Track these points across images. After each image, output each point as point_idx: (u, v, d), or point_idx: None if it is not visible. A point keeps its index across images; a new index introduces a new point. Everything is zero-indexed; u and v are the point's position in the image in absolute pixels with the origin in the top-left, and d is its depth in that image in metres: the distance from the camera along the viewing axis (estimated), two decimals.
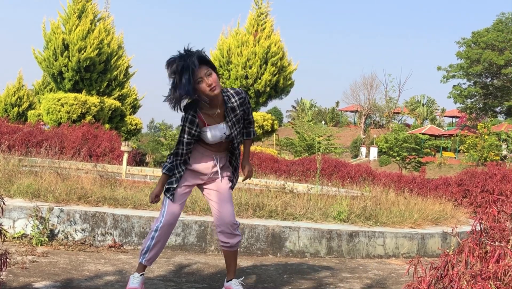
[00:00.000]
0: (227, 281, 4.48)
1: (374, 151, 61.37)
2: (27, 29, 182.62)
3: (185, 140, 4.17)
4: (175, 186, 4.23)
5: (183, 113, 4.11)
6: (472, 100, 57.90)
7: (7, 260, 3.11)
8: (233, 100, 4.22)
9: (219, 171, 4.36)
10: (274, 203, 7.44)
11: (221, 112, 4.19)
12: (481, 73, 55.68)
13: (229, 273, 4.49)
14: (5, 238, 3.25)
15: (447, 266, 2.83)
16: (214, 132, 4.18)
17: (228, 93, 4.23)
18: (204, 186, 4.44)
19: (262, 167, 17.08)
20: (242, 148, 4.60)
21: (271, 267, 5.81)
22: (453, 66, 57.58)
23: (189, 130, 4.13)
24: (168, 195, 4.24)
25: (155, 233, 4.24)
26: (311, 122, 55.10)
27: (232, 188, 4.49)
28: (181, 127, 4.20)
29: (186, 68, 3.86)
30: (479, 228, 2.97)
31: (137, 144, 35.17)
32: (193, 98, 4.00)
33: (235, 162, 4.48)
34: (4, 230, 3.28)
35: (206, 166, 4.33)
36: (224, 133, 4.21)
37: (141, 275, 4.32)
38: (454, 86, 58.20)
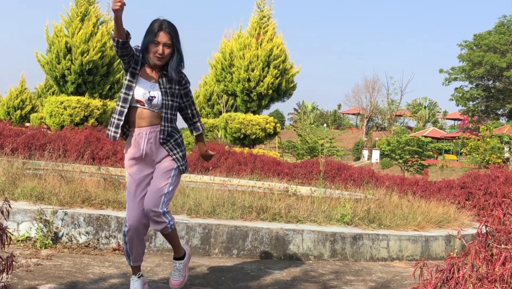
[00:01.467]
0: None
1: (376, 154, 61.33)
2: (30, 32, 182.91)
3: (126, 81, 4.22)
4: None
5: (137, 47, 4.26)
6: (474, 102, 57.81)
7: (13, 262, 3.11)
8: (173, 73, 4.23)
9: (146, 147, 4.24)
10: (278, 206, 7.44)
11: (157, 74, 4.27)
12: (483, 76, 55.58)
13: (174, 252, 4.61)
14: (10, 241, 3.25)
15: (452, 268, 2.83)
16: (142, 85, 4.18)
17: (173, 67, 4.24)
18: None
19: (264, 170, 17.05)
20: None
21: (275, 270, 5.81)
22: (455, 69, 57.49)
23: (133, 62, 4.17)
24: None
25: (125, 237, 4.28)
26: (313, 125, 55.10)
27: (180, 168, 4.36)
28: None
29: (157, 26, 4.13)
30: (485, 231, 2.96)
31: None
32: (140, 50, 4.19)
33: (172, 146, 4.34)
34: (10, 233, 3.29)
35: (137, 145, 4.25)
36: (149, 92, 4.18)
37: (139, 277, 4.36)
38: (456, 88, 58.12)
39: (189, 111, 4.52)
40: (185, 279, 4.59)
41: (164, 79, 4.24)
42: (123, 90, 4.21)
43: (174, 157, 4.31)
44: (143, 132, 4.22)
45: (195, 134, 4.61)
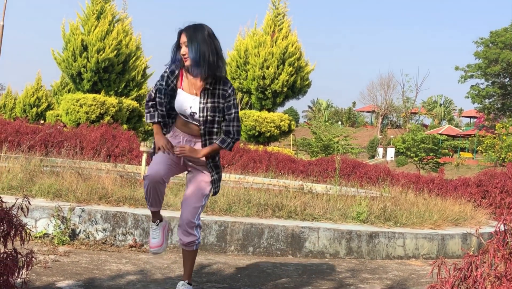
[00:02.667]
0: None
1: (391, 152, 61.15)
2: (46, 30, 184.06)
3: (159, 86, 4.18)
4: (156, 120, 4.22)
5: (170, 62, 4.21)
6: (490, 100, 57.43)
7: (32, 259, 3.14)
8: (218, 86, 4.14)
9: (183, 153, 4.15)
10: (293, 203, 7.45)
11: (201, 87, 4.13)
12: (499, 73, 55.20)
13: (184, 273, 4.42)
14: (29, 238, 3.29)
15: (470, 267, 2.82)
16: (183, 99, 4.11)
17: (221, 79, 4.15)
18: (188, 172, 4.38)
19: (279, 167, 17.07)
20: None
21: (291, 268, 5.82)
22: (471, 66, 57.16)
23: (167, 79, 4.15)
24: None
25: (144, 182, 4.13)
26: (327, 123, 55.00)
27: (213, 191, 4.31)
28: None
29: (179, 31, 4.13)
30: (503, 229, 2.95)
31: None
32: (176, 57, 4.14)
33: (211, 166, 4.27)
34: (29, 230, 3.32)
35: (176, 138, 4.25)
36: (191, 107, 4.10)
37: (157, 225, 4.42)
38: (472, 86, 57.77)
39: (226, 124, 4.21)
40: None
41: (205, 92, 4.11)
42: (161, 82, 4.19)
43: (212, 178, 4.27)
44: (181, 136, 4.25)
45: (215, 141, 4.20)
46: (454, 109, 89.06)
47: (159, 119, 4.20)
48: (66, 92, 37.79)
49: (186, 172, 4.41)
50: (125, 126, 24.50)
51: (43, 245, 5.76)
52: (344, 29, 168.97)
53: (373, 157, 64.69)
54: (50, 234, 5.93)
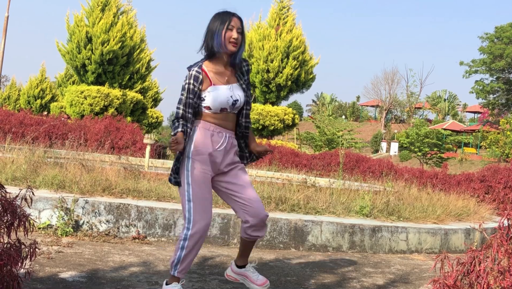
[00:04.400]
0: (240, 267, 4.28)
1: (394, 146, 61.09)
2: (50, 22, 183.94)
3: (185, 100, 3.88)
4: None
5: (188, 71, 3.93)
6: (495, 95, 57.32)
7: (36, 249, 3.15)
8: (244, 64, 4.10)
9: (225, 150, 3.99)
10: (297, 197, 7.44)
11: (231, 72, 4.03)
12: (504, 69, 55.09)
13: (243, 258, 4.27)
14: (33, 228, 3.29)
15: (474, 261, 2.82)
16: (221, 92, 3.92)
17: (240, 56, 4.04)
18: (217, 179, 4.05)
19: (283, 161, 17.07)
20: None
21: (294, 261, 5.82)
22: (475, 61, 57.05)
23: (193, 87, 3.87)
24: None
25: (185, 242, 3.84)
26: (331, 117, 54.95)
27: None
28: (182, 87, 3.95)
29: (228, 13, 3.93)
30: (507, 224, 2.95)
31: (158, 137, 35.35)
32: (220, 36, 3.88)
33: (245, 145, 4.21)
34: (32, 220, 3.33)
35: (208, 143, 3.92)
36: (231, 96, 3.95)
37: (181, 283, 3.95)
38: (476, 81, 57.69)
39: (247, 108, 4.16)
40: None
41: (237, 75, 4.05)
42: (188, 95, 3.90)
43: (244, 164, 4.20)
44: (225, 133, 4.02)
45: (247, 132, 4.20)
46: (458, 105, 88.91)
47: (183, 129, 3.85)
48: (70, 84, 37.79)
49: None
50: (129, 118, 24.51)
51: (47, 236, 5.77)
52: (348, 23, 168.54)
53: (376, 151, 64.65)
54: (53, 225, 5.94)
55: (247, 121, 4.16)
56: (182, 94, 3.91)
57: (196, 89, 3.88)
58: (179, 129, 3.81)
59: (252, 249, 4.31)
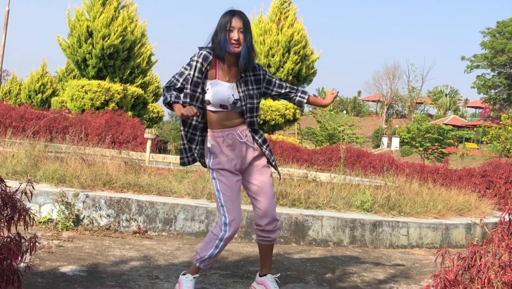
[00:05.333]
0: (261, 276, 4.29)
1: (395, 141, 61.05)
2: (51, 16, 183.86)
3: (187, 75, 3.94)
4: (182, 100, 3.89)
5: (199, 50, 3.98)
6: (496, 90, 57.30)
7: (36, 243, 3.14)
8: (249, 73, 4.07)
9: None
10: (297, 192, 7.44)
11: (235, 75, 4.02)
12: (505, 64, 55.06)
13: (264, 267, 4.28)
14: (33, 222, 3.29)
15: (474, 256, 2.81)
16: (223, 88, 3.94)
17: (244, 55, 3.97)
18: (243, 177, 4.14)
19: (283, 156, 17.07)
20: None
21: (295, 255, 5.82)
22: (477, 56, 57.00)
23: (200, 66, 3.92)
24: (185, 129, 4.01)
25: (220, 242, 3.93)
26: (332, 112, 54.94)
27: (277, 172, 4.31)
28: (187, 63, 4.00)
29: (230, 13, 3.92)
30: (508, 219, 2.94)
31: (158, 132, 35.34)
32: (220, 38, 3.88)
33: (262, 146, 4.13)
34: (33, 214, 3.32)
35: (223, 149, 4.01)
36: (233, 95, 3.95)
37: (194, 277, 4.07)
38: (478, 76, 57.66)
39: (283, 91, 4.25)
40: None
41: (240, 81, 4.02)
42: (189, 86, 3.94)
43: (271, 158, 4.19)
44: (237, 132, 4.05)
45: (305, 96, 4.31)
46: (459, 100, 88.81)
47: (183, 100, 3.90)
48: (71, 78, 37.73)
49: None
50: (129, 113, 24.50)
51: (47, 230, 5.77)
52: (349, 18, 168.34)
53: (377, 146, 64.62)
54: (54, 219, 5.94)
55: (296, 91, 4.29)
56: (185, 69, 3.96)
57: (203, 68, 3.93)
58: (180, 101, 3.85)
59: (270, 257, 4.30)
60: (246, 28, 3.91)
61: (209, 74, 3.96)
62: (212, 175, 4.02)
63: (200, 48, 3.98)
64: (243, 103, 3.99)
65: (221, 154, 3.99)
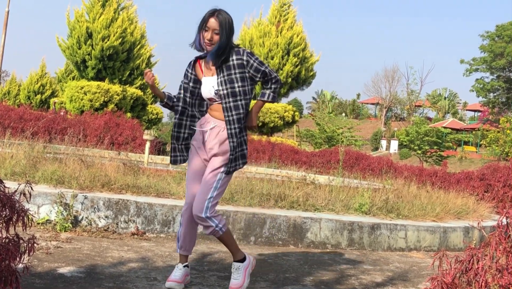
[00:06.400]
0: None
1: (394, 144, 61.07)
2: (51, 17, 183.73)
3: (181, 83, 4.38)
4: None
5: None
6: (495, 94, 57.35)
7: (34, 244, 3.14)
8: (231, 58, 4.15)
9: (207, 133, 4.23)
10: (296, 194, 7.45)
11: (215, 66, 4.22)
12: (504, 67, 55.10)
13: (232, 255, 4.44)
14: (32, 223, 3.29)
15: (472, 259, 2.82)
16: (206, 83, 4.24)
17: (232, 52, 4.15)
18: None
19: (282, 158, 17.05)
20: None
21: (293, 258, 5.82)
22: (476, 60, 57.05)
23: (186, 72, 4.36)
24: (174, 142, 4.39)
25: (181, 218, 4.33)
26: (331, 114, 54.98)
27: (226, 172, 4.16)
28: None
29: (208, 13, 4.14)
30: (505, 222, 2.94)
31: (158, 133, 35.31)
32: (196, 39, 4.19)
33: (232, 139, 4.15)
34: (31, 215, 3.32)
35: (199, 124, 4.34)
36: (213, 86, 4.17)
37: (184, 266, 4.31)
38: (477, 79, 57.70)
39: (263, 79, 4.23)
40: (244, 283, 4.28)
41: (221, 68, 4.14)
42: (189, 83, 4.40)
43: (231, 157, 4.16)
44: (213, 122, 4.25)
45: (258, 98, 4.31)
46: (458, 103, 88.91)
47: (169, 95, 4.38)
48: (70, 79, 37.71)
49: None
50: (129, 114, 24.48)
51: (45, 231, 5.77)
52: (349, 21, 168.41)
53: (376, 149, 64.65)
54: (52, 221, 5.94)
55: (228, 115, 4.16)
56: (182, 80, 4.40)
57: (189, 75, 4.34)
58: (166, 93, 4.35)
59: (227, 246, 4.41)
60: (222, 29, 4.07)
61: (198, 75, 4.34)
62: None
63: (197, 44, 4.26)
64: (221, 88, 4.14)
65: (197, 131, 4.39)
